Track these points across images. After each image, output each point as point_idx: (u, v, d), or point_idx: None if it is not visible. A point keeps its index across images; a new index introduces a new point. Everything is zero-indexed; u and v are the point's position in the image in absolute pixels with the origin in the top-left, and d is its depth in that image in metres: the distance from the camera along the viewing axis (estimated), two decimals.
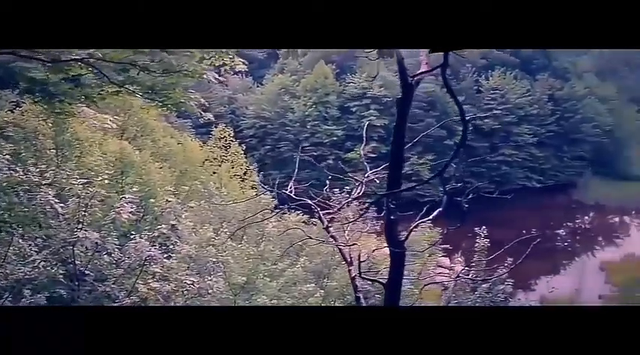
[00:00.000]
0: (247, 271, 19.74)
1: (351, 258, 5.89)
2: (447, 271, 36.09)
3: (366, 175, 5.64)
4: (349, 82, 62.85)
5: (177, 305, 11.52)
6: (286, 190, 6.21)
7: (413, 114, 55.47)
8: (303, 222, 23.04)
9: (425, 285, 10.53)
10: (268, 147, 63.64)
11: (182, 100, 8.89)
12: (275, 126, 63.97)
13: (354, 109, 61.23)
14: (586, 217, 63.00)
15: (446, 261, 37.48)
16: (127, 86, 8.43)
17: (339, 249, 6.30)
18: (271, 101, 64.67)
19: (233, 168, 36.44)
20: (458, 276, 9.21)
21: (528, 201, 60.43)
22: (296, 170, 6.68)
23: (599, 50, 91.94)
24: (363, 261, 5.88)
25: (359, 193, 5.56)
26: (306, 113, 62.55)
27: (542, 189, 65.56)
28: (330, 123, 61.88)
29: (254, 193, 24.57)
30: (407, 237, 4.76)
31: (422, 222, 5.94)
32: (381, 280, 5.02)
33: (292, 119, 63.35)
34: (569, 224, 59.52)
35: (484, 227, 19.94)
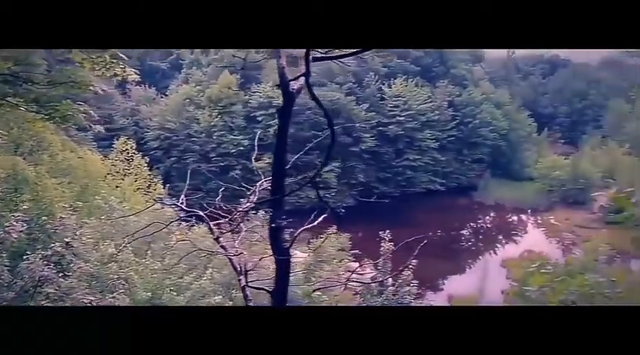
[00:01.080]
0: (152, 286, 19.30)
1: (240, 267, 5.86)
2: (357, 276, 36.37)
3: (259, 184, 5.62)
4: (254, 92, 62.77)
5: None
6: (177, 202, 6.12)
7: (318, 122, 56.29)
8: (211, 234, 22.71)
9: (314, 291, 10.63)
10: (174, 158, 62.43)
11: (70, 112, 8.54)
12: (180, 137, 62.87)
13: (260, 118, 61.11)
14: (487, 217, 65.59)
15: (355, 265, 37.89)
16: (8, 99, 8.02)
17: (229, 260, 6.26)
18: (176, 112, 63.50)
19: (137, 181, 35.50)
20: (347, 280, 9.29)
21: (433, 204, 62.53)
22: (187, 181, 6.59)
23: (494, 58, 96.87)
24: (249, 271, 5.86)
25: (252, 202, 5.54)
26: (212, 123, 61.82)
27: (446, 191, 67.86)
28: (236, 133, 61.49)
29: (158, 207, 23.94)
30: (291, 244, 4.78)
31: (305, 229, 5.99)
32: (267, 288, 5.00)
33: (198, 130, 62.44)
34: (471, 224, 61.89)
35: (388, 231, 20.34)
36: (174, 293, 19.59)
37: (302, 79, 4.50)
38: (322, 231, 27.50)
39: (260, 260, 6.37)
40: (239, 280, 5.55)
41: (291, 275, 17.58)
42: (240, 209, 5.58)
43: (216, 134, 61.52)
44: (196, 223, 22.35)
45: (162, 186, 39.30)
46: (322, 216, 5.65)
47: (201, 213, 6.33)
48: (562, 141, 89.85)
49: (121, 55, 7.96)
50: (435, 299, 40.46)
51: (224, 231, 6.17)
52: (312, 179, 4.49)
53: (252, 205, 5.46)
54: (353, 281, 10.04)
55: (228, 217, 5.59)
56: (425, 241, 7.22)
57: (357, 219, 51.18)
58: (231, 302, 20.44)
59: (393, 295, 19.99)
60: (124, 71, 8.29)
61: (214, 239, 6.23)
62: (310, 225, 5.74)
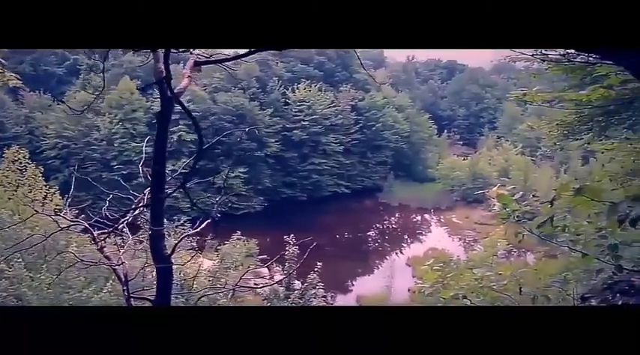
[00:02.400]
0: (49, 302, 18.43)
1: (124, 277, 5.69)
2: (266, 280, 36.34)
3: (147, 191, 5.45)
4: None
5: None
6: (60, 213, 5.87)
7: (222, 127, 55.84)
8: (114, 244, 21.92)
9: (199, 298, 10.51)
10: (73, 167, 59.86)
11: None
12: (79, 145, 60.39)
13: None
14: (392, 218, 67.05)
15: (264, 270, 37.78)
16: None
17: (114, 270, 6.07)
18: (74, 119, 60.87)
19: (31, 192, 33.70)
20: (236, 285, 9.20)
21: (339, 207, 63.38)
22: (72, 190, 6.36)
23: (395, 62, 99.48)
24: (130, 280, 5.69)
25: (139, 210, 5.38)
26: (113, 130, 59.83)
27: (351, 194, 68.96)
28: (138, 140, 59.71)
29: (52, 218, 22.79)
30: (172, 252, 4.69)
31: (188, 235, 5.88)
32: (149, 298, 4.88)
33: (98, 137, 60.24)
34: (378, 225, 63.12)
35: (292, 234, 20.39)
36: None
37: (183, 83, 4.44)
38: (228, 237, 27.37)
39: (142, 269, 6.21)
40: (124, 290, 5.39)
41: (195, 283, 17.25)
42: (127, 217, 5.42)
43: (117, 141, 59.56)
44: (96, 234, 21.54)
45: (59, 197, 37.52)
46: (206, 222, 5.57)
47: (84, 223, 6.10)
48: (461, 142, 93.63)
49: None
50: (344, 301, 40.90)
51: (103, 240, 5.97)
52: (182, 185, 4.42)
53: (135, 213, 5.31)
54: (241, 286, 9.98)
55: (113, 226, 5.42)
56: (315, 243, 7.28)
57: (265, 224, 51.13)
58: None
59: (300, 298, 20.07)
60: (4, 76, 7.87)
61: (98, 249, 6.02)
62: (193, 231, 5.65)
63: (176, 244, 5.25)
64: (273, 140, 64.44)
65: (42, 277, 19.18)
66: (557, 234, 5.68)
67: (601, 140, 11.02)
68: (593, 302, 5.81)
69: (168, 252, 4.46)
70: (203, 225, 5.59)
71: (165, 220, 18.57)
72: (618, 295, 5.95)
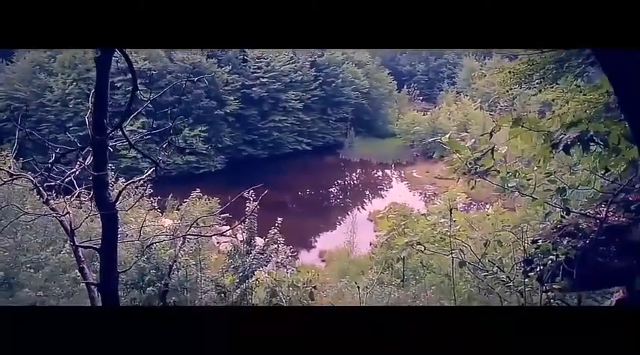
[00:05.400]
0: (5, 265, 18.17)
1: (71, 228, 5.65)
2: (229, 238, 36.23)
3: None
4: (112, 56, 59.65)
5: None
6: (5, 168, 5.76)
7: (179, 86, 54.69)
8: (62, 197, 21.52)
9: (147, 246, 10.48)
10: (27, 130, 58.01)
11: None
12: (32, 107, 58.67)
13: (118, 84, 58.41)
14: (354, 174, 67.51)
15: (227, 228, 37.66)
16: None
17: (60, 222, 6.01)
18: (25, 80, 59.10)
19: None
20: (186, 234, 9.20)
21: (301, 164, 63.48)
22: (16, 145, 6.23)
23: None
24: (75, 229, 5.65)
25: (88, 163, 5.26)
26: (67, 91, 58.25)
27: (312, 151, 69.02)
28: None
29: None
30: (117, 199, 4.64)
31: (131, 183, 5.85)
32: (95, 246, 4.85)
33: (51, 98, 58.65)
34: (339, 181, 63.52)
35: (251, 190, 20.21)
36: (32, 271, 18.54)
37: None
38: (188, 195, 27.10)
39: (87, 217, 6.17)
40: (70, 242, 5.33)
41: (155, 240, 17.14)
42: (74, 170, 5.33)
43: (72, 102, 58.02)
44: (57, 195, 21.10)
45: (14, 160, 36.69)
46: (151, 169, 5.52)
47: (29, 176, 6.01)
48: (420, 98, 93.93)
49: None
50: (307, 256, 41.21)
51: (42, 186, 5.89)
52: (119, 124, 4.34)
53: (81, 165, 5.22)
54: (190, 235, 10.06)
55: (59, 179, 5.32)
56: (265, 192, 7.28)
57: (226, 182, 50.92)
58: (95, 274, 19.60)
59: (260, 254, 20.08)
60: None
61: (44, 202, 5.94)
62: (138, 179, 5.62)
63: (120, 192, 5.20)
64: (232, 98, 63.70)
65: None
66: (508, 179, 5.79)
67: (552, 88, 11.19)
68: (540, 243, 6.00)
69: (112, 200, 4.41)
70: (149, 172, 5.53)
71: (123, 179, 18.28)
72: (567, 238, 6.16)
